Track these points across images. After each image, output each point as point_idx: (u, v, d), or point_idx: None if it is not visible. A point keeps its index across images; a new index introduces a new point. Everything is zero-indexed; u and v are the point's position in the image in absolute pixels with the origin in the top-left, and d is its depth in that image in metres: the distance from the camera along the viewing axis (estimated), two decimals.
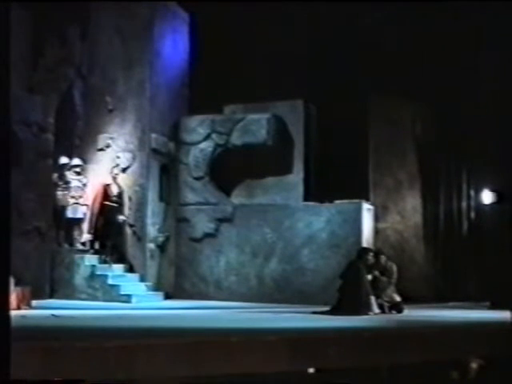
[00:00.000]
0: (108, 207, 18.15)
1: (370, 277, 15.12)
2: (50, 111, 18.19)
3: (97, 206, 18.22)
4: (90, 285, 17.88)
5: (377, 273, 15.41)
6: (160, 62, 19.13)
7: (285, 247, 18.55)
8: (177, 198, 19.45)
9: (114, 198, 18.23)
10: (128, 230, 18.44)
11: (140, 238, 18.38)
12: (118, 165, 18.59)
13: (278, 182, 19.06)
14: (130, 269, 18.20)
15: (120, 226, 18.29)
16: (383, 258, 15.71)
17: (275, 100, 19.03)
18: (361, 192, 18.90)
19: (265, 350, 8.92)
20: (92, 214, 18.29)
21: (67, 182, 18.57)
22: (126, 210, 18.46)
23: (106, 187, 18.29)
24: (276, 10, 19.99)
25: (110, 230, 18.19)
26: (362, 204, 18.30)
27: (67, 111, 18.91)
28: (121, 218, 18.24)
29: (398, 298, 15.28)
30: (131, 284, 17.73)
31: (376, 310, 14.78)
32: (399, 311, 15.07)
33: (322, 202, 18.53)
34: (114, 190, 18.29)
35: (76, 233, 18.74)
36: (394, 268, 15.55)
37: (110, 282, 17.65)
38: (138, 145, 18.74)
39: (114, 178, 18.41)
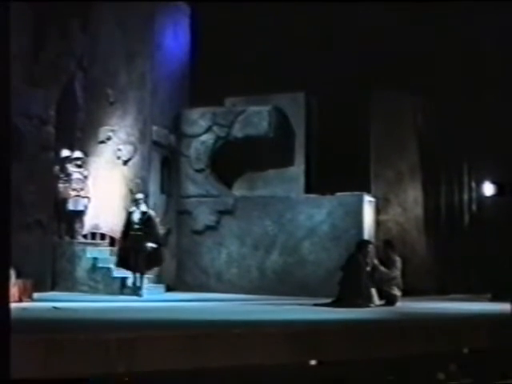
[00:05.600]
0: (132, 236, 17.01)
1: (368, 268, 15.15)
2: (51, 104, 18.19)
3: (121, 236, 17.28)
4: (92, 277, 17.91)
5: (376, 261, 15.44)
6: (161, 55, 19.13)
7: (286, 239, 18.56)
8: (178, 191, 19.45)
9: (137, 226, 17.02)
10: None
11: None
12: (139, 195, 17.48)
13: (280, 174, 19.07)
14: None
15: (149, 254, 16.90)
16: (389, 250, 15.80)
17: (276, 92, 19.03)
18: (362, 184, 18.89)
19: (266, 342, 8.93)
20: (119, 242, 17.58)
21: (68, 175, 18.57)
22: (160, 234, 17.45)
23: (130, 215, 17.19)
24: (277, 3, 19.96)
25: (137, 259, 16.80)
26: (364, 196, 18.32)
27: (68, 104, 18.90)
28: (149, 245, 16.88)
29: (395, 292, 15.23)
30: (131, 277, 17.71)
31: (377, 301, 14.79)
32: (390, 303, 14.98)
33: (323, 194, 18.54)
34: (136, 218, 17.07)
35: (77, 225, 18.76)
36: (397, 262, 15.52)
37: (111, 274, 17.67)
38: (139, 137, 18.74)
39: (138, 204, 17.19)
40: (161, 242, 17.32)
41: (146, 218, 17.12)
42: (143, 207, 17.24)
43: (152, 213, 17.34)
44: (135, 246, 16.83)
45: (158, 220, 17.46)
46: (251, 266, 18.81)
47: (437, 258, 19.96)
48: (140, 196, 17.41)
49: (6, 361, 5.40)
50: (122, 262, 17.11)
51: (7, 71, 5.53)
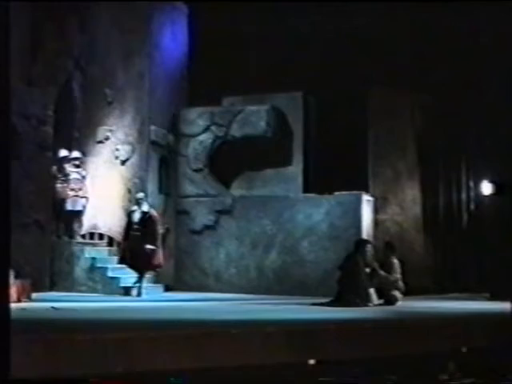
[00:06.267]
0: (131, 236, 16.87)
1: (368, 270, 15.14)
2: (49, 104, 18.15)
3: (123, 235, 17.24)
4: (90, 277, 17.89)
5: (376, 264, 15.44)
6: (159, 54, 19.12)
7: (284, 239, 18.55)
8: (176, 190, 19.45)
9: (136, 226, 16.89)
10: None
11: None
12: (140, 195, 17.38)
13: (278, 173, 19.06)
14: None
15: (148, 256, 16.70)
16: (388, 253, 15.77)
17: (274, 92, 19.03)
18: (360, 183, 18.89)
19: (265, 341, 8.93)
20: (121, 243, 17.52)
21: (66, 175, 18.54)
22: (158, 237, 17.12)
23: (131, 214, 17.12)
24: (276, 2, 19.96)
25: (135, 260, 16.75)
26: (362, 195, 18.31)
27: (66, 104, 18.87)
28: (148, 247, 16.64)
29: (395, 293, 15.22)
30: (131, 276, 17.68)
31: (375, 301, 14.79)
32: (390, 303, 14.97)
33: (321, 193, 18.53)
34: (136, 217, 16.96)
35: (76, 225, 18.74)
36: (396, 265, 15.50)
37: (109, 274, 17.65)
38: (138, 137, 18.73)
39: (139, 204, 17.11)
40: (159, 243, 17.11)
41: (146, 218, 17.02)
42: (145, 207, 17.14)
43: (154, 213, 17.25)
44: (134, 247, 16.77)
45: (159, 220, 17.43)
46: (250, 265, 18.81)
47: (435, 256, 19.98)
48: (141, 195, 17.37)
49: (7, 361, 5.39)
50: (123, 262, 17.12)
51: (7, 71, 5.51)
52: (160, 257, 17.12)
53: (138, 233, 16.87)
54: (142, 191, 17.99)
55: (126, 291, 17.09)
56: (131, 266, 16.91)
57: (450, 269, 19.73)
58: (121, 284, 17.34)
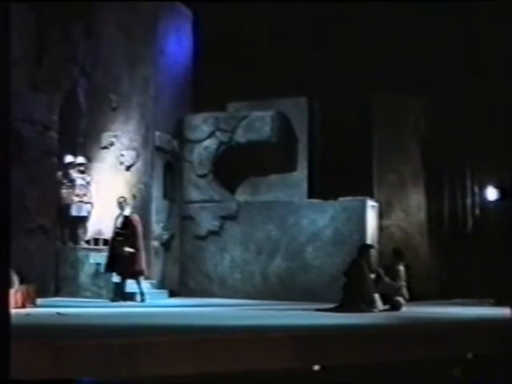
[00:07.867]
0: (115, 241, 17.01)
1: (372, 275, 15.12)
2: (54, 109, 18.21)
3: (110, 240, 17.30)
4: (95, 283, 17.90)
5: (381, 271, 15.41)
6: (164, 60, 19.15)
7: (289, 244, 18.55)
8: (181, 196, 19.46)
9: (119, 231, 16.99)
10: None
11: (144, 235, 18.33)
12: (120, 199, 17.46)
13: (282, 179, 19.06)
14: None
15: (126, 260, 16.71)
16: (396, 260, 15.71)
17: (279, 97, 19.04)
18: (365, 189, 18.89)
19: (269, 347, 8.92)
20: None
21: (71, 180, 18.58)
22: (140, 241, 17.09)
23: (116, 219, 17.22)
24: (278, 8, 19.99)
25: (120, 265, 16.85)
26: (366, 201, 18.30)
27: (71, 109, 18.92)
28: (126, 250, 16.72)
29: (399, 298, 15.20)
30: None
31: (380, 306, 14.77)
32: (395, 309, 14.94)
33: (326, 199, 18.53)
34: (119, 222, 17.09)
35: (80, 231, 18.76)
36: (401, 273, 15.47)
37: (114, 279, 17.64)
38: (142, 142, 18.75)
39: (121, 208, 17.24)
40: (140, 247, 17.00)
41: (127, 222, 17.07)
42: (127, 211, 17.21)
43: (135, 216, 17.30)
44: (117, 252, 16.82)
45: (140, 224, 17.31)
46: (254, 271, 18.80)
47: (440, 262, 19.94)
48: (121, 200, 17.41)
49: (7, 362, 5.39)
50: (108, 268, 17.08)
51: (7, 75, 5.52)
52: (142, 262, 17.02)
53: (119, 238, 16.95)
54: (147, 197, 18.02)
55: (129, 297, 17.09)
56: (118, 273, 16.92)
57: (454, 274, 19.69)
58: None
